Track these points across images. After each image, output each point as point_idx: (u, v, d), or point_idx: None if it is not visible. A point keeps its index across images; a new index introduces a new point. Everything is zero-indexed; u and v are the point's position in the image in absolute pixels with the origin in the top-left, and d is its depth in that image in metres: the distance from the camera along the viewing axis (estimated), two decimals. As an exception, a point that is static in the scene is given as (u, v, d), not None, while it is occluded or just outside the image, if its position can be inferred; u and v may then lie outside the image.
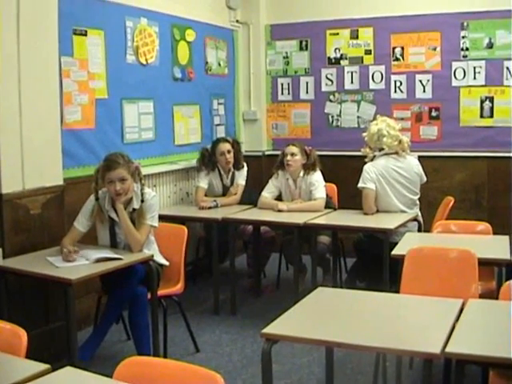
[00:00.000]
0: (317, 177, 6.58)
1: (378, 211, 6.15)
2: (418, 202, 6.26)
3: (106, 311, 4.92)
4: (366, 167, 6.16)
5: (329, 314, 3.51)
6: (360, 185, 6.13)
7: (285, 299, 6.16)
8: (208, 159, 7.00)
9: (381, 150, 6.22)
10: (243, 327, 5.91)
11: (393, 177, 6.10)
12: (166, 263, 5.24)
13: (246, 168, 7.14)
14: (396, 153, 6.19)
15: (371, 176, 6.08)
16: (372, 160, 6.24)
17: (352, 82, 8.20)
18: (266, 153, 8.61)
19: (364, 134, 6.42)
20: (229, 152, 6.97)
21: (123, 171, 4.91)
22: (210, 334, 5.77)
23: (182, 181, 7.39)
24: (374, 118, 6.73)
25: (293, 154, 6.56)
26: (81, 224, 5.01)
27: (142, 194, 5.04)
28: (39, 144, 5.09)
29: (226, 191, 7.06)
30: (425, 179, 6.31)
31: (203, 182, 6.95)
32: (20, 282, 4.81)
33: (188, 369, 2.60)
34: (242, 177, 7.11)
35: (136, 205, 5.02)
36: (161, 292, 5.00)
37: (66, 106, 5.63)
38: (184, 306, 5.30)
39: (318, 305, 3.67)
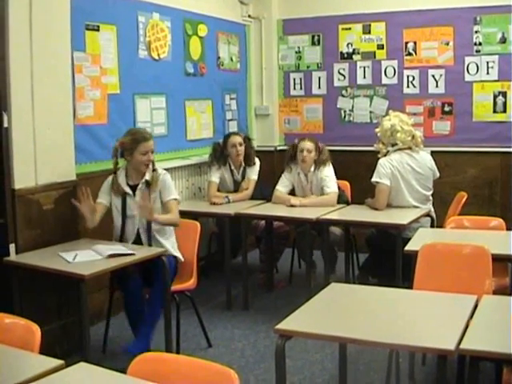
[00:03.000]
0: (327, 171, 6.57)
1: (390, 207, 6.12)
2: (431, 198, 6.23)
3: (150, 308, 4.96)
4: (381, 161, 6.13)
5: (342, 310, 3.51)
6: (374, 179, 6.10)
7: (297, 295, 6.20)
8: (220, 154, 7.00)
9: (394, 145, 6.19)
10: (255, 322, 5.91)
11: (407, 172, 6.07)
12: (181, 258, 5.27)
13: (258, 163, 7.13)
14: (409, 148, 6.16)
15: (386, 171, 6.05)
16: (385, 155, 6.21)
17: (364, 77, 8.17)
18: (278, 148, 8.58)
19: (377, 130, 6.39)
20: (240, 145, 6.98)
21: (153, 143, 5.23)
22: (222, 329, 5.77)
23: (195, 176, 7.38)
24: (387, 113, 6.71)
25: (309, 151, 6.55)
26: (103, 198, 5.23)
27: (154, 167, 5.27)
28: (52, 139, 5.10)
29: (237, 187, 7.06)
30: (438, 175, 6.28)
31: (215, 177, 6.95)
32: (33, 277, 4.82)
33: (202, 365, 2.60)
34: (254, 172, 7.10)
35: (148, 176, 5.20)
36: (174, 287, 5.02)
37: (78, 101, 5.63)
38: (196, 301, 5.29)
39: (331, 301, 3.66)
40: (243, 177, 7.08)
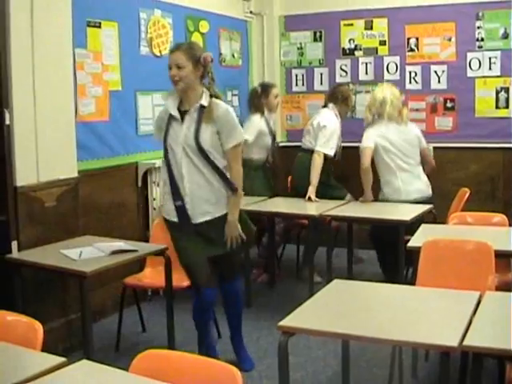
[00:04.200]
0: None
1: (384, 176, 6.41)
2: (420, 164, 6.41)
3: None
4: (367, 130, 6.40)
5: (345, 307, 3.50)
6: (361, 145, 6.38)
7: (299, 291, 6.19)
8: (258, 101, 7.01)
9: (380, 116, 6.38)
10: (258, 319, 5.90)
11: (394, 140, 6.29)
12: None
13: None
14: (395, 121, 6.37)
15: (372, 138, 6.31)
16: (371, 123, 6.47)
17: (366, 73, 8.16)
18: (281, 144, 8.56)
19: (367, 98, 6.50)
20: None
21: (182, 56, 4.42)
22: (225, 325, 5.73)
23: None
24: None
25: None
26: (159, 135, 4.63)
27: (212, 94, 4.54)
28: (53, 136, 5.09)
29: (273, 137, 7.09)
30: (425, 144, 6.45)
31: (251, 133, 6.77)
32: (35, 274, 4.82)
33: (205, 362, 2.60)
34: None
35: (205, 101, 4.45)
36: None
37: (80, 98, 5.62)
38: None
39: (334, 297, 3.65)
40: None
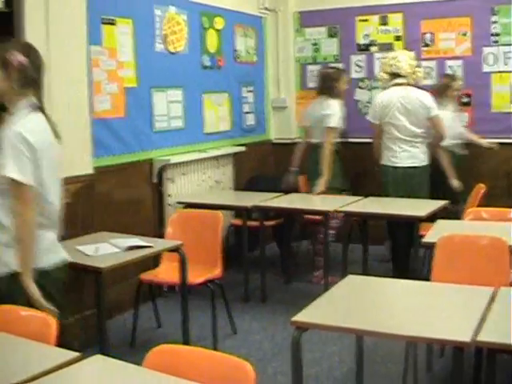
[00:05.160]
0: None
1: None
2: (424, 135, 6.45)
3: None
4: (375, 98, 6.68)
5: (359, 302, 3.50)
6: (368, 117, 6.66)
7: (314, 287, 6.19)
8: (331, 84, 7.00)
9: (395, 75, 6.43)
10: (273, 315, 5.91)
11: (397, 107, 6.36)
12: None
13: None
14: (408, 84, 6.41)
15: (376, 110, 6.51)
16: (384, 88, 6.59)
17: (382, 69, 8.15)
18: (296, 140, 8.56)
19: (382, 59, 6.93)
20: None
21: None
22: (240, 321, 5.76)
23: (211, 169, 7.37)
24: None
25: None
26: None
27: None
28: (69, 133, 5.09)
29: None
30: (432, 113, 6.38)
31: (338, 122, 6.88)
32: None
33: (219, 357, 2.60)
34: None
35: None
36: (203, 277, 5.13)
37: (95, 95, 5.65)
38: (215, 293, 5.28)
39: (348, 293, 3.65)
40: None
